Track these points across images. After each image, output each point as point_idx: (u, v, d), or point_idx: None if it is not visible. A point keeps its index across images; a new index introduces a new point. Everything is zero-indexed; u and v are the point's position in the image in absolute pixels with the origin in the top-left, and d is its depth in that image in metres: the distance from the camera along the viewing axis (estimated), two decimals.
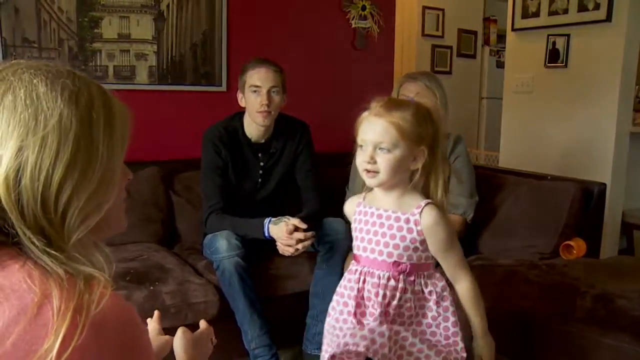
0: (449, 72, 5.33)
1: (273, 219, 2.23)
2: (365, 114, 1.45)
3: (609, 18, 3.14)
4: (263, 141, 2.47)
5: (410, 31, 5.06)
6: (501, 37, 5.26)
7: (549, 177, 2.70)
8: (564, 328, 1.79)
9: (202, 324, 1.25)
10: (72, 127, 0.72)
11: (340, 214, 2.55)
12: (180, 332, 1.13)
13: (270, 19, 3.20)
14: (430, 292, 1.47)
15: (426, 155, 1.43)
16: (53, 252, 0.70)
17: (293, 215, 2.23)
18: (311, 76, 3.32)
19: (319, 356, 2.35)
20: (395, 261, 1.44)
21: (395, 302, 1.43)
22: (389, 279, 1.44)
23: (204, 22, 3.00)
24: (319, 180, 2.54)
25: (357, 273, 1.50)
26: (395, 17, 3.73)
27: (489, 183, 2.79)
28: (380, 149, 1.40)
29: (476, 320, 1.50)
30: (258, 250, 2.30)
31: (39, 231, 0.71)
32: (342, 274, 2.33)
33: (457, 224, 2.44)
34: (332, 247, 2.32)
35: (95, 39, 2.74)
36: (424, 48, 5.15)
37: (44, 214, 0.71)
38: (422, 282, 1.46)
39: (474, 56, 5.55)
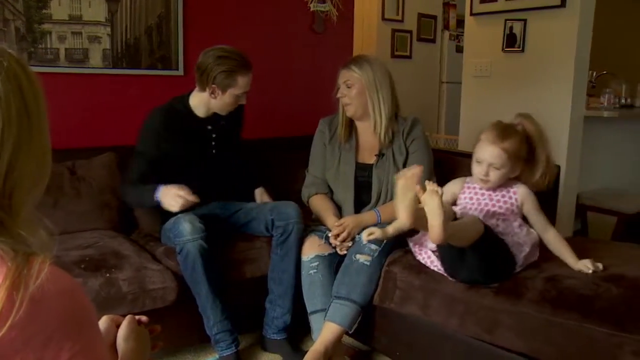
0: (409, 57, 5.36)
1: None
2: (482, 136, 2.03)
3: (563, 3, 3.19)
4: (211, 114, 2.47)
5: (370, 15, 5.06)
6: (460, 22, 5.32)
7: None
8: (517, 309, 1.83)
9: (144, 319, 1.11)
10: (13, 105, 0.70)
11: (296, 197, 2.56)
12: (126, 320, 1.05)
13: (227, 2, 3.15)
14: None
15: (522, 166, 2.05)
16: (3, 238, 0.69)
17: (253, 183, 2.58)
18: (269, 60, 3.28)
19: (278, 340, 2.37)
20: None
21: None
22: None
23: (159, 4, 2.93)
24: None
25: None
26: (354, 1, 3.72)
27: (448, 166, 2.82)
28: (493, 167, 2.00)
29: (567, 255, 2.02)
30: (216, 235, 2.29)
31: None
32: (298, 258, 2.34)
33: None
34: (284, 232, 2.33)
35: (44, 20, 2.64)
36: (383, 32, 5.15)
37: None
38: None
39: (433, 41, 5.58)
